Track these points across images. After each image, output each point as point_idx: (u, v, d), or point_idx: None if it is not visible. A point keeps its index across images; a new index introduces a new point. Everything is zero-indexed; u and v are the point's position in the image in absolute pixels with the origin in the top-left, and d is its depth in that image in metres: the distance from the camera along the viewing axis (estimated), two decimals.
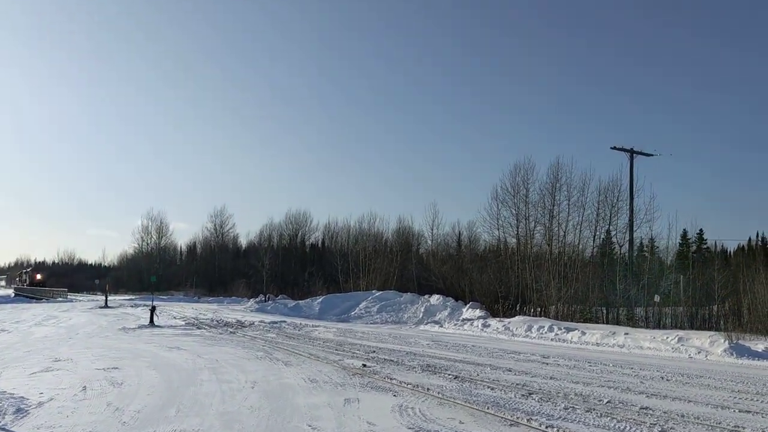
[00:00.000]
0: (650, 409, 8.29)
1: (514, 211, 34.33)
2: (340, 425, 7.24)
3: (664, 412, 8.07)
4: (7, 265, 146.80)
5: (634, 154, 30.42)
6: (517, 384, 10.32)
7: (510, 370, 12.17)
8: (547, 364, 13.58)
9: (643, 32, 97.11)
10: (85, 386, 9.74)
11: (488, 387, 9.95)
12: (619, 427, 7.13)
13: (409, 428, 7.07)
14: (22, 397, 8.82)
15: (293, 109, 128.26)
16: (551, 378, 11.19)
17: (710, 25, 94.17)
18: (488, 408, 8.09)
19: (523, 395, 9.20)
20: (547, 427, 6.96)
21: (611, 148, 30.58)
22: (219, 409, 8.13)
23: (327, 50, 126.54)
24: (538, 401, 8.71)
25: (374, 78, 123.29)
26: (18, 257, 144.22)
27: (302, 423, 7.31)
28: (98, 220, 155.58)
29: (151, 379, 10.55)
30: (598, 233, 32.03)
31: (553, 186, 32.25)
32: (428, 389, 9.57)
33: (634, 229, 30.03)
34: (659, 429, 7.04)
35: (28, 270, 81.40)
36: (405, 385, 10.01)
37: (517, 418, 7.50)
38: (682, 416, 7.84)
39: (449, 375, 11.30)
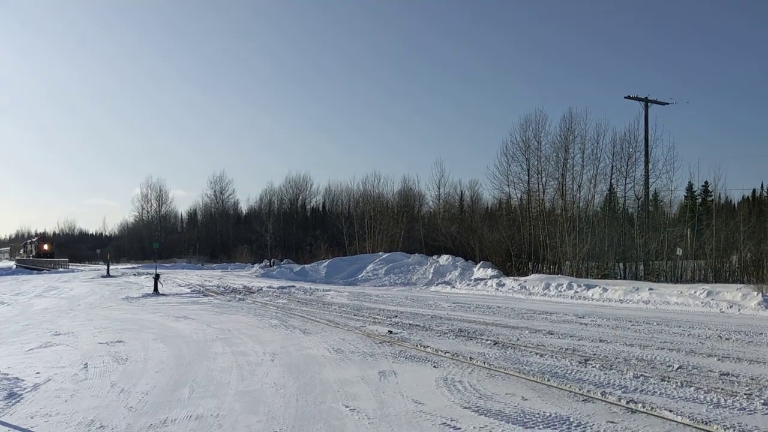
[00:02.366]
0: (732, 375, 7.25)
1: (525, 166, 33.16)
2: (382, 405, 6.20)
3: (751, 378, 7.03)
4: (8, 237, 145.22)
5: (650, 104, 29.15)
6: (567, 349, 9.28)
7: (551, 333, 11.14)
8: (586, 324, 12.58)
9: None
10: (86, 363, 8.75)
11: (536, 354, 8.91)
12: (711, 400, 6.05)
13: (465, 407, 6.01)
14: (17, 378, 7.84)
15: (291, 72, 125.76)
16: (600, 341, 10.15)
17: None
18: (548, 379, 7.03)
19: (579, 362, 8.15)
20: (628, 402, 5.89)
21: (625, 97, 29.42)
22: (238, 387, 7.12)
23: (325, 17, 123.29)
24: (600, 369, 7.66)
25: (374, 44, 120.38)
26: (18, 229, 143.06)
27: (337, 403, 6.28)
28: (97, 190, 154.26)
29: (159, 354, 9.55)
30: (613, 186, 30.87)
31: (566, 138, 30.95)
32: (471, 358, 8.52)
33: (653, 180, 28.86)
34: (762, 401, 5.96)
35: (34, 240, 78.55)
36: (442, 354, 8.99)
37: (588, 391, 6.43)
38: None
39: (487, 341, 10.26)
